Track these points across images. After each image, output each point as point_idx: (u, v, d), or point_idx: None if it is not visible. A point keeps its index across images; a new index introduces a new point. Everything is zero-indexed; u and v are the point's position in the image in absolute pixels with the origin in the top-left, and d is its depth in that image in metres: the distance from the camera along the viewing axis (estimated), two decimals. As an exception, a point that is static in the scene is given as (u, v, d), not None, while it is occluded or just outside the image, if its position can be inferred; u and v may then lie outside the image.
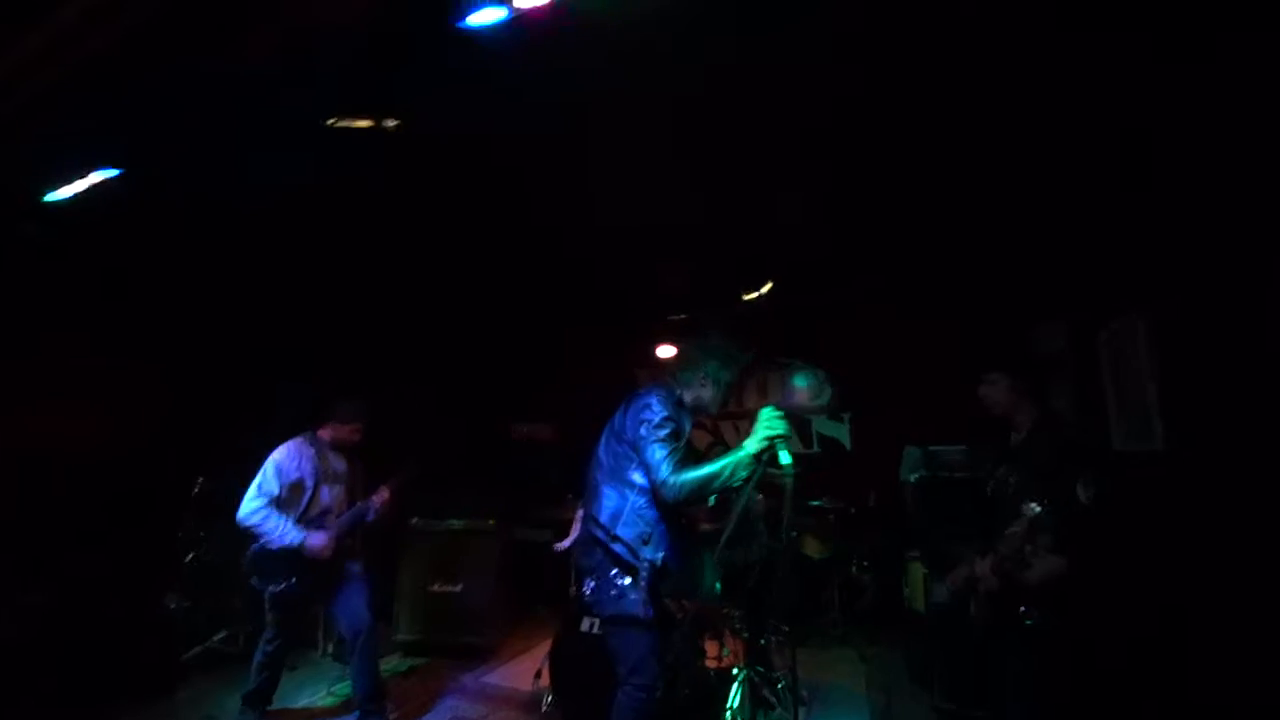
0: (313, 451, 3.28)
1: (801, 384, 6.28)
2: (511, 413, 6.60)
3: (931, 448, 4.67)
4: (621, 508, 2.26)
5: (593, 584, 2.30)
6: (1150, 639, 2.59)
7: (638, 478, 2.25)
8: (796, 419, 6.09)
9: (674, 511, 2.27)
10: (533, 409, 6.53)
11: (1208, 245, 2.37)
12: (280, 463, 3.18)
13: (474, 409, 6.20)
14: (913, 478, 4.59)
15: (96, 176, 2.59)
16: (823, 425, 6.03)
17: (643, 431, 2.21)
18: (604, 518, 2.28)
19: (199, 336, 4.62)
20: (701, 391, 2.44)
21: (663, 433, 2.20)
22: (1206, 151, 2.32)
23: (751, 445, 2.05)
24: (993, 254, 4.04)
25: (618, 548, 2.23)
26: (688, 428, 2.37)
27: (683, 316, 5.95)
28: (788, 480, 2.01)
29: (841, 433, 5.97)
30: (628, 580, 2.21)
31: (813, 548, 4.92)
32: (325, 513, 3.25)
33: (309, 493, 3.20)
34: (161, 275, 4.15)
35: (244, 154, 2.73)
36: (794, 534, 4.82)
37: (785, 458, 2.00)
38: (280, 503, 3.13)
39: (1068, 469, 2.17)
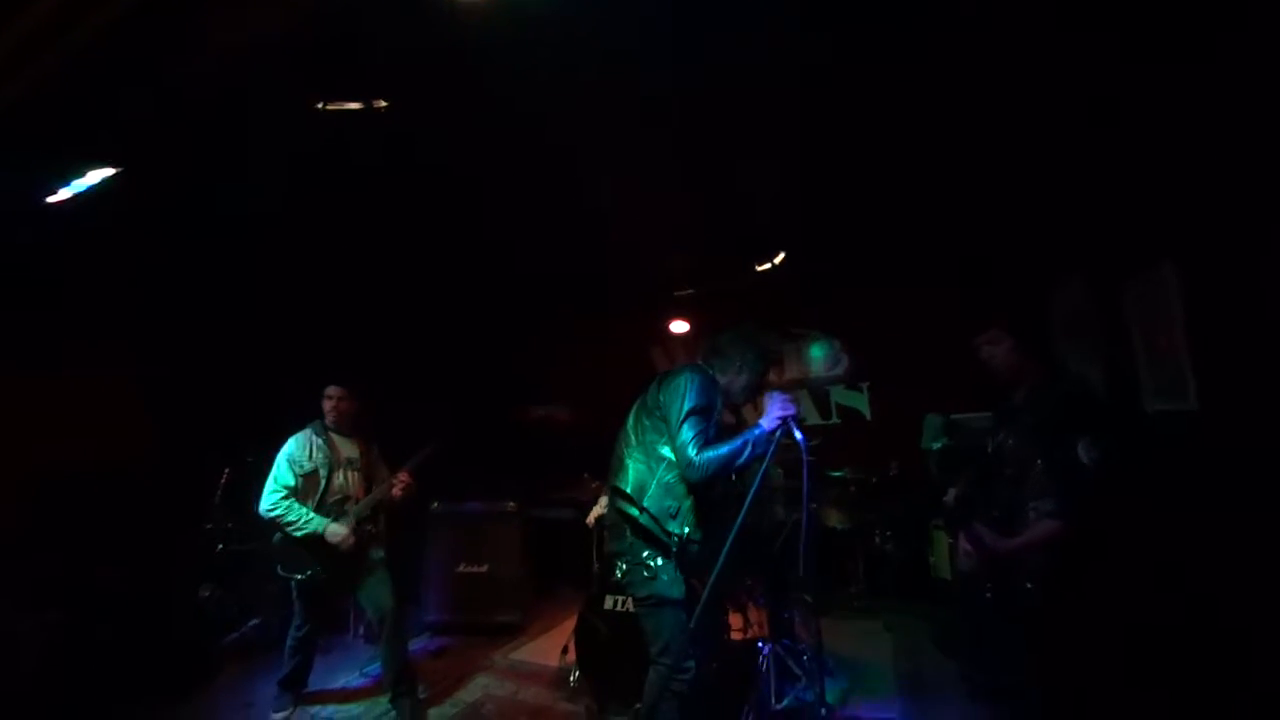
0: (322, 440, 3.32)
1: (818, 354, 6.28)
2: (527, 396, 6.60)
3: (954, 416, 4.57)
4: (648, 480, 2.29)
5: (624, 566, 2.33)
6: (1184, 612, 2.50)
7: (666, 452, 2.29)
8: (815, 390, 6.03)
9: (701, 488, 2.29)
10: (548, 391, 6.53)
11: (1244, 184, 2.22)
12: (291, 454, 3.24)
13: (490, 393, 6.20)
14: (935, 446, 4.51)
15: (94, 175, 2.57)
16: (841, 395, 5.96)
17: (675, 408, 2.25)
18: (630, 489, 2.30)
19: (216, 330, 4.66)
20: (736, 379, 2.47)
21: (695, 412, 2.24)
22: (1235, 79, 2.15)
23: (767, 423, 2.18)
24: (1009, 208, 3.87)
25: (644, 520, 2.25)
26: (719, 406, 2.39)
27: (691, 291, 5.87)
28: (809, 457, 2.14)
29: (860, 402, 5.89)
30: (660, 560, 2.23)
31: (835, 518, 4.88)
32: (345, 499, 3.28)
33: (324, 481, 3.24)
34: (168, 272, 4.16)
35: (238, 146, 2.70)
36: (814, 505, 4.79)
37: (798, 434, 2.15)
38: (297, 493, 3.18)
39: (1070, 428, 2.01)
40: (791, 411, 2.17)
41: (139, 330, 4.38)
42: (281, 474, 3.18)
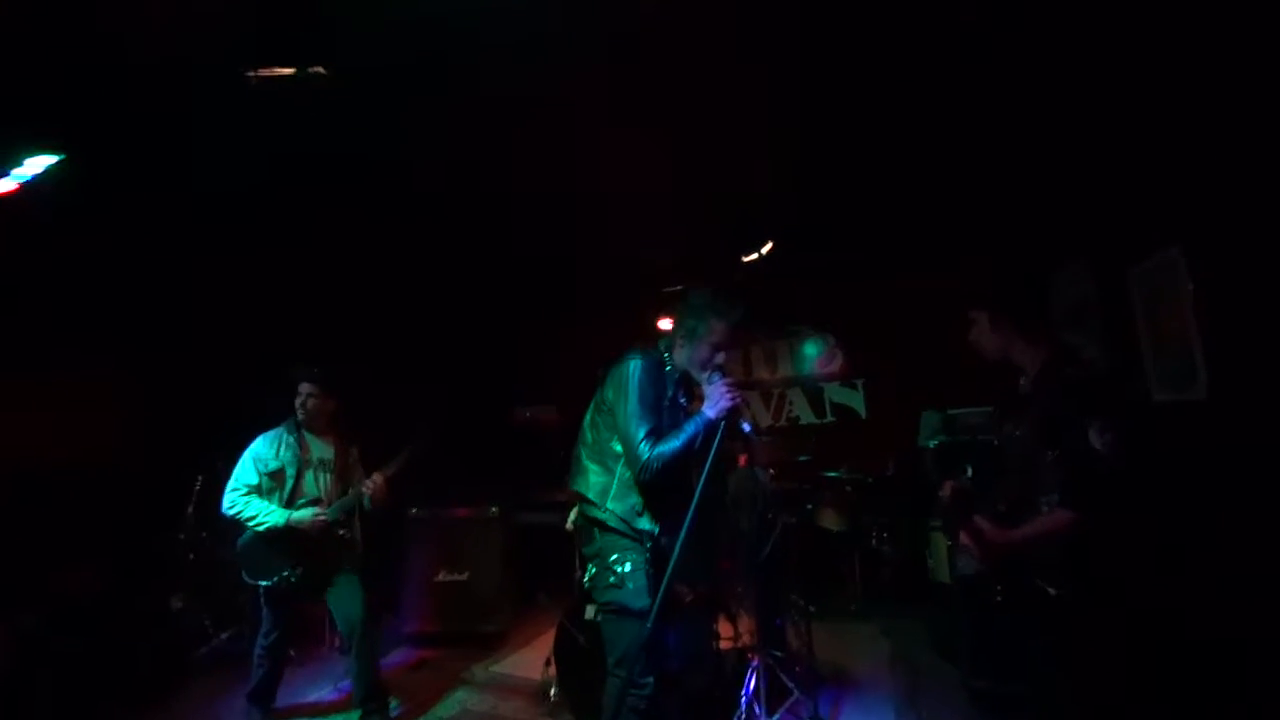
0: (293, 439, 3.19)
1: (811, 351, 6.14)
2: (513, 396, 6.45)
3: (951, 411, 4.44)
4: (608, 481, 2.20)
5: (593, 569, 2.25)
6: (1194, 609, 2.36)
7: (620, 448, 2.19)
8: (809, 388, 5.89)
9: (659, 484, 2.14)
10: (535, 391, 6.38)
11: (1256, 166, 2.09)
12: (257, 452, 3.13)
13: (474, 394, 6.06)
14: (931, 443, 4.38)
15: (37, 163, 2.42)
16: (836, 393, 5.82)
17: (621, 406, 2.15)
18: (592, 494, 2.22)
19: (188, 333, 4.53)
20: (680, 352, 2.32)
21: (642, 407, 2.13)
22: (1245, 54, 2.02)
23: (712, 412, 2.07)
24: (1009, 190, 3.73)
25: (613, 523, 2.17)
26: (670, 393, 2.28)
27: (678, 288, 5.72)
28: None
29: (856, 400, 5.76)
30: (627, 568, 2.14)
31: (830, 520, 4.72)
32: (314, 501, 3.15)
33: (290, 480, 3.11)
34: (141, 269, 4.02)
35: (197, 129, 2.55)
36: (809, 506, 4.64)
37: (745, 426, 2.13)
38: (262, 492, 3.07)
39: (1080, 413, 1.84)
40: (735, 402, 2.07)
41: (109, 333, 4.25)
42: (244, 472, 3.07)
